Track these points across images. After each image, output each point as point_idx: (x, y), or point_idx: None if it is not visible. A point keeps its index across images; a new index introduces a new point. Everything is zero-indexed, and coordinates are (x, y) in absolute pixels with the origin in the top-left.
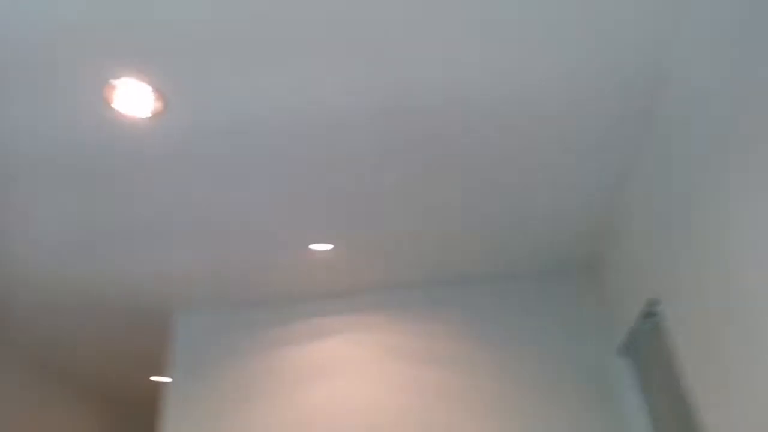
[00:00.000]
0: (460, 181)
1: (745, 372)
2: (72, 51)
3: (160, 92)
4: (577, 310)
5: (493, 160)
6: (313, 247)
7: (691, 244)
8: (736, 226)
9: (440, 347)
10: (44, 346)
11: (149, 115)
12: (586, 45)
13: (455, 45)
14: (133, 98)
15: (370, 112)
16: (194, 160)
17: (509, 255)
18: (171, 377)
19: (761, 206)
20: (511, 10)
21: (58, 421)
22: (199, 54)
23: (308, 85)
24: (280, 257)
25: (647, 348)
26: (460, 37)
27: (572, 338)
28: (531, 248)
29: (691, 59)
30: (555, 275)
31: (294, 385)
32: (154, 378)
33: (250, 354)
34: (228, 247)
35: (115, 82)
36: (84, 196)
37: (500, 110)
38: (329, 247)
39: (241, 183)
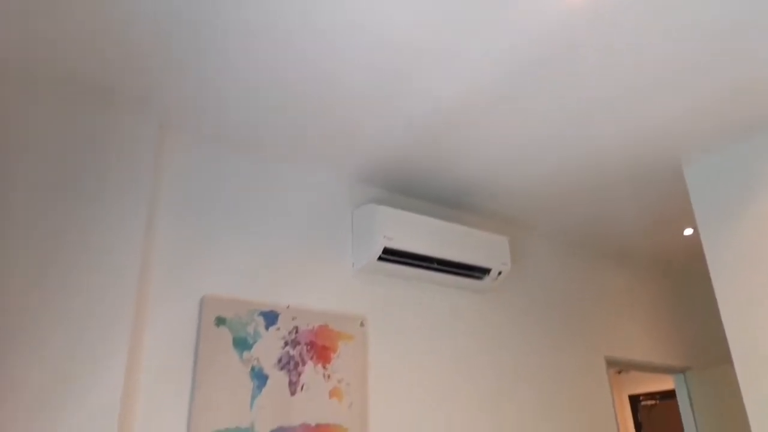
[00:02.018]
0: None
1: None
2: None
3: None
4: None
5: None
6: None
7: None
8: None
9: None
10: (573, 224)
11: None
12: None
13: None
14: None
15: None
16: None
17: None
18: (698, 228)
19: None
20: None
21: (618, 287)
22: None
23: None
24: None
25: None
26: None
27: None
28: None
29: None
30: None
31: None
32: (686, 232)
33: None
34: (715, 82)
35: None
36: (557, 82)
37: None
38: None
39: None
